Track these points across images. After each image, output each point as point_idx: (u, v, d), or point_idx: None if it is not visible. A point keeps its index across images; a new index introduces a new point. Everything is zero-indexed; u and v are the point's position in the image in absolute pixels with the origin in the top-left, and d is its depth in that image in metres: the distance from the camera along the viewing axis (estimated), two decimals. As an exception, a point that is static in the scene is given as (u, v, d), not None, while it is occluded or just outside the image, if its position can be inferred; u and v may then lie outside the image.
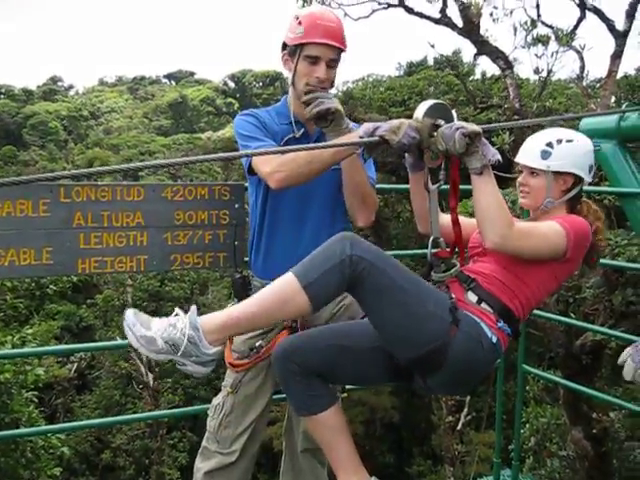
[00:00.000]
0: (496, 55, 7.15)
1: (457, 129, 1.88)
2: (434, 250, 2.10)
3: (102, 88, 79.06)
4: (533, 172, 2.24)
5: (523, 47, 7.00)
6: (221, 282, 19.75)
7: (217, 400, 2.50)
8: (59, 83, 77.24)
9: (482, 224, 1.99)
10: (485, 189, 1.96)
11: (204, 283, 19.69)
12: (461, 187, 2.11)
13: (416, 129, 1.93)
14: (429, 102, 2.04)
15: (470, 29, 7.14)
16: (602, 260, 5.41)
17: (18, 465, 7.68)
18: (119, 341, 6.57)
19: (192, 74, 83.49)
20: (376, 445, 15.06)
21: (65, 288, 16.35)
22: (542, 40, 6.89)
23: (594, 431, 5.82)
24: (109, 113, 66.85)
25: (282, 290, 1.88)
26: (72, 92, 78.21)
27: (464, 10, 7.04)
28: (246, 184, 2.67)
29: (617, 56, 6.81)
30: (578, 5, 7.11)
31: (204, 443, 2.51)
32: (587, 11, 7.14)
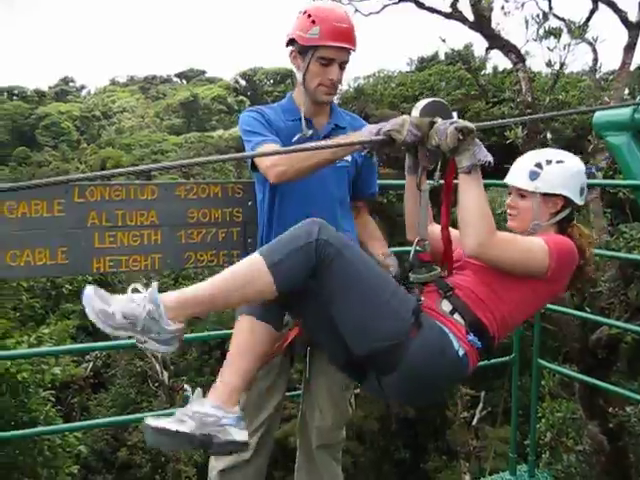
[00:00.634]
0: (508, 49, 7.10)
1: (451, 124, 1.87)
2: (418, 249, 2.07)
3: (114, 88, 79.62)
4: (521, 193, 2.16)
5: (535, 40, 6.94)
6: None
7: (231, 398, 2.50)
8: (71, 84, 78.01)
9: (462, 228, 1.93)
10: (470, 190, 1.91)
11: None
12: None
13: (417, 126, 1.92)
14: (427, 100, 2.04)
15: (481, 23, 7.11)
16: (617, 254, 5.41)
17: (37, 463, 7.77)
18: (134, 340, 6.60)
19: (203, 73, 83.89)
20: (392, 441, 15.03)
21: (80, 287, 16.42)
22: (554, 33, 6.83)
23: (610, 426, 5.78)
24: (121, 113, 67.32)
25: (247, 269, 1.84)
26: (84, 92, 79.00)
27: (475, 4, 7.00)
28: (256, 181, 2.68)
29: (630, 48, 6.77)
30: (590, -4, 7.07)
31: (219, 441, 2.52)
32: (599, 3, 7.09)
